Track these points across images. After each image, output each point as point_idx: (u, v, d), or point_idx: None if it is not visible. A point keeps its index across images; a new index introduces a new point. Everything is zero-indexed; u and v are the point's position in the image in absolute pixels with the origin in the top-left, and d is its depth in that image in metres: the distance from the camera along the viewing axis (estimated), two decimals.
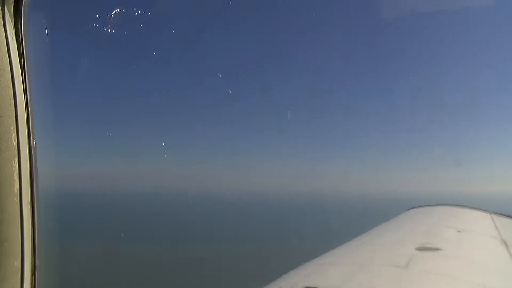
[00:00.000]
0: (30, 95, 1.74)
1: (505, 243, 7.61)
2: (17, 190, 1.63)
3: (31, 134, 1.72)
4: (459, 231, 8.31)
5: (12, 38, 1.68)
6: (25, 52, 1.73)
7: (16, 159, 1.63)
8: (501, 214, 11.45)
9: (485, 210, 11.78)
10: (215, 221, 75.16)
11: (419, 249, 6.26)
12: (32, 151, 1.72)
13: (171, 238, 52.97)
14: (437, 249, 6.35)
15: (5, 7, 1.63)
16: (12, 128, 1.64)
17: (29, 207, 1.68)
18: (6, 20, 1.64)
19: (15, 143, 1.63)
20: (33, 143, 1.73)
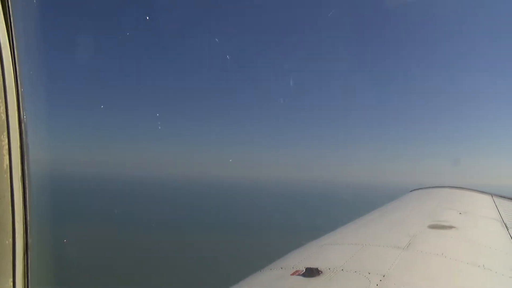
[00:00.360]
0: (19, 65, 1.62)
1: (506, 226, 7.61)
2: (7, 166, 1.54)
3: (20, 107, 1.62)
4: (460, 213, 8.30)
5: None
6: (12, 19, 1.61)
7: (5, 133, 1.54)
8: (503, 197, 11.46)
9: (487, 192, 11.79)
10: (211, 210, 75.70)
11: (420, 231, 6.27)
12: (22, 125, 1.62)
13: (156, 219, 53.95)
14: (439, 229, 6.37)
15: None
16: (0, 101, 1.54)
17: (20, 184, 1.59)
18: None
19: (3, 116, 1.54)
20: (23, 116, 1.63)
